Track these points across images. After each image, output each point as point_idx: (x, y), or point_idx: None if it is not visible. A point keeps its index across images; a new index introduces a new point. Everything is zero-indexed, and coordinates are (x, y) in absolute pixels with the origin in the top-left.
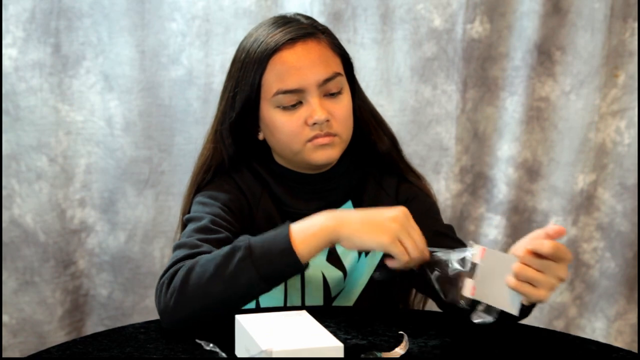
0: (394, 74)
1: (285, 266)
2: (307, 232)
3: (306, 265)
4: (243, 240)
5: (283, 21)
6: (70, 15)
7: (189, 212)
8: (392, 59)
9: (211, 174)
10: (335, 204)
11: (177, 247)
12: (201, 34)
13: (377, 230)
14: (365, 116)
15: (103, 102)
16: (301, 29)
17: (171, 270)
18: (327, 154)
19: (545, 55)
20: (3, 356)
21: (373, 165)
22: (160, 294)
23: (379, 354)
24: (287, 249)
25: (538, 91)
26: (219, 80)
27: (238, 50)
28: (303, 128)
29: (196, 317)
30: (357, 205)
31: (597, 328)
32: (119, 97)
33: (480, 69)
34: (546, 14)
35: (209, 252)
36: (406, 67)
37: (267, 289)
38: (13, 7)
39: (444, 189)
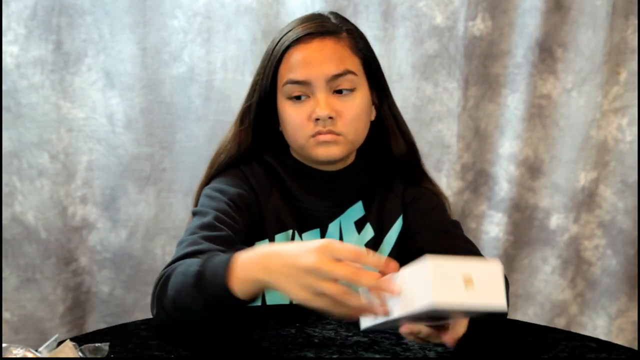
0: (396, 71)
1: (230, 307)
2: (243, 279)
3: (254, 299)
4: (204, 261)
5: (312, 17)
6: (71, 12)
7: (196, 204)
8: (393, 56)
9: (225, 157)
10: (347, 202)
11: (179, 244)
12: (203, 31)
13: (295, 288)
14: (388, 120)
15: (105, 99)
16: (322, 26)
17: (161, 273)
18: (328, 152)
19: (547, 52)
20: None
21: (387, 168)
22: (151, 298)
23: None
24: (226, 291)
25: (540, 88)
26: (220, 78)
27: (270, 42)
28: (307, 122)
29: (175, 324)
30: (367, 205)
31: (598, 325)
32: (121, 94)
33: (482, 66)
34: (548, 10)
35: (207, 251)
36: (408, 64)
37: (216, 318)
38: (15, 4)
39: (445, 187)
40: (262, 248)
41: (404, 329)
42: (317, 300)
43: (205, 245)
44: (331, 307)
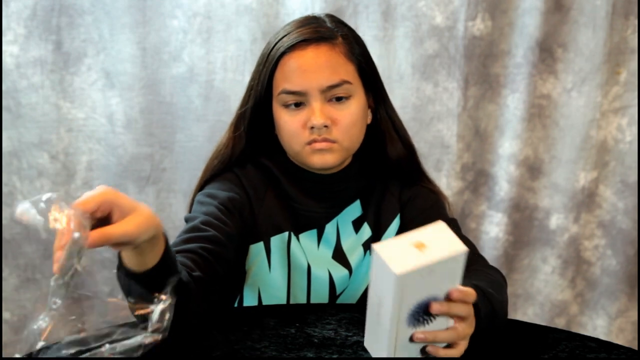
0: (396, 71)
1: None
2: None
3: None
4: None
5: (307, 22)
6: (71, 12)
7: (190, 210)
8: (393, 56)
9: (218, 162)
10: (345, 203)
11: None
12: (202, 31)
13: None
14: (384, 123)
15: (104, 99)
16: (318, 32)
17: None
18: (323, 159)
19: (547, 52)
20: (4, 353)
21: (383, 169)
22: None
23: None
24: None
25: (540, 88)
26: (220, 78)
27: (265, 45)
28: (303, 130)
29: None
30: (364, 205)
31: (598, 325)
32: (120, 94)
33: (482, 66)
34: (548, 11)
35: (187, 250)
36: (407, 64)
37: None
38: (14, 4)
39: (445, 187)
40: None
41: (419, 335)
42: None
43: (186, 246)
44: None
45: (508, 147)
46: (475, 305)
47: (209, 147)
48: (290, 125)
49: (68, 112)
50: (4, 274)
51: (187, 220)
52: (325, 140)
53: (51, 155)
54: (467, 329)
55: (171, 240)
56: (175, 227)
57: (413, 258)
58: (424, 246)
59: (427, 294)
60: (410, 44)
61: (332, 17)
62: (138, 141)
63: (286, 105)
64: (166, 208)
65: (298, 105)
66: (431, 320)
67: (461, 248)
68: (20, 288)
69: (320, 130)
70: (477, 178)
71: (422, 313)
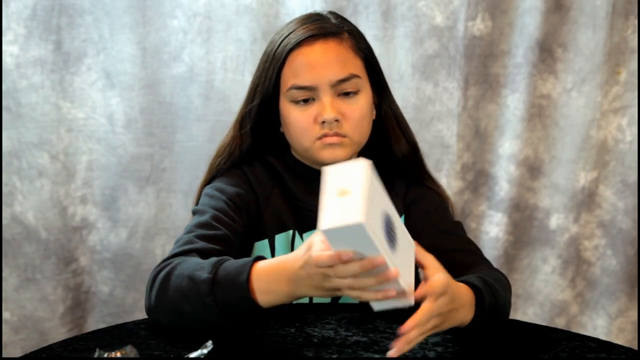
0: (396, 71)
1: (246, 313)
2: (268, 291)
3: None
4: (214, 268)
5: (312, 18)
6: (71, 12)
7: (197, 203)
8: (393, 56)
9: (224, 160)
10: None
11: (175, 242)
12: (202, 31)
13: (316, 291)
14: (388, 119)
15: (104, 99)
16: (324, 28)
17: (157, 268)
18: (334, 154)
19: (547, 52)
20: (4, 353)
21: (388, 167)
22: (146, 292)
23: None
24: (249, 302)
25: (540, 88)
26: (220, 78)
27: (268, 43)
28: (313, 125)
29: (173, 324)
30: None
31: (598, 325)
32: (121, 94)
33: (482, 66)
34: (548, 11)
35: (201, 250)
36: (407, 64)
37: (231, 324)
38: (14, 4)
39: (445, 187)
40: (274, 261)
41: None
42: (335, 293)
43: (200, 244)
44: (352, 294)
45: (508, 147)
46: (480, 295)
47: (209, 147)
48: (300, 121)
49: (68, 112)
50: (4, 274)
51: (195, 212)
52: (336, 134)
53: (51, 155)
54: (442, 307)
55: (178, 234)
56: (175, 227)
57: (350, 205)
58: (347, 191)
59: (382, 209)
60: (410, 44)
61: (335, 14)
62: (138, 141)
63: (295, 102)
64: (166, 208)
65: (307, 100)
66: (396, 236)
67: (365, 162)
68: (20, 288)
69: (331, 125)
70: (477, 178)
71: (389, 230)
